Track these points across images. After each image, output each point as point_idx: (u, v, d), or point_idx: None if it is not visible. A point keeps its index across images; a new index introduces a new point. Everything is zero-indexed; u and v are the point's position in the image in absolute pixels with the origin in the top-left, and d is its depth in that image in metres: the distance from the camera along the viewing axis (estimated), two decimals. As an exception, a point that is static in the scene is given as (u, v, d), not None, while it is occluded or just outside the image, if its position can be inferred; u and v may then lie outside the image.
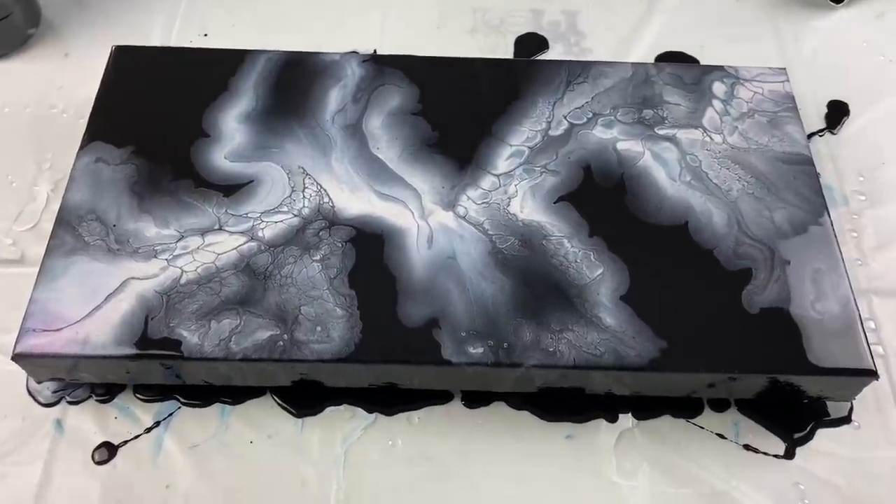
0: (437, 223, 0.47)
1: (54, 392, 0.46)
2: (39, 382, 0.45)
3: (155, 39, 0.61)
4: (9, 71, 0.59)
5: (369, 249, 0.46)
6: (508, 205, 0.48)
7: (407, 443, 0.45)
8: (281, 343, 0.42)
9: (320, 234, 0.46)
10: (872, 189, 0.55)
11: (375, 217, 0.47)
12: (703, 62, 0.62)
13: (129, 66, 0.53)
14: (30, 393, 0.46)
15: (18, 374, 0.44)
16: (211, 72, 0.53)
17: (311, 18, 0.63)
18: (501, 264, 0.45)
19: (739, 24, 0.64)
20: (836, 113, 0.59)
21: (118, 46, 0.54)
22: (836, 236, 0.47)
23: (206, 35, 0.62)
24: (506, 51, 0.62)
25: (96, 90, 0.52)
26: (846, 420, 0.46)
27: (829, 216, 0.48)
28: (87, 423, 0.45)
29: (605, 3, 0.65)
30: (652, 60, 0.62)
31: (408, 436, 0.45)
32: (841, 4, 0.65)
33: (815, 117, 0.59)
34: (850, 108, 0.59)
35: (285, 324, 0.43)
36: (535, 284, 0.45)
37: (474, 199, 0.48)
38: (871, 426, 0.46)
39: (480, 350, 0.43)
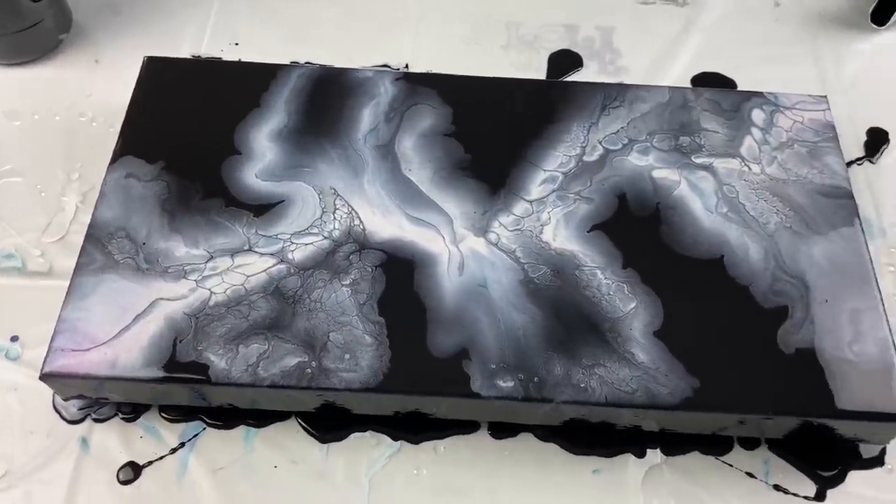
0: (468, 249, 0.46)
1: (80, 409, 0.46)
2: (66, 400, 0.45)
3: (186, 47, 0.61)
4: (39, 77, 0.59)
5: (399, 275, 0.45)
6: (541, 232, 0.47)
7: (432, 473, 0.45)
8: (309, 370, 0.42)
9: (350, 257, 0.46)
10: (912, 222, 0.54)
11: (406, 241, 0.46)
12: (740, 84, 0.60)
13: (160, 77, 0.53)
14: (56, 409, 0.46)
15: (45, 390, 0.44)
16: (243, 86, 0.52)
17: (342, 31, 0.63)
18: (533, 294, 0.45)
19: (778, 44, 0.63)
20: (876, 141, 0.58)
21: (150, 57, 0.53)
22: (875, 274, 0.46)
23: (236, 44, 0.61)
24: (539, 67, 0.61)
25: (126, 99, 0.52)
26: (878, 462, 0.46)
27: (869, 253, 0.47)
28: (113, 441, 0.45)
29: (640, 19, 0.64)
30: (688, 81, 0.61)
31: (433, 465, 0.45)
32: (884, 27, 0.63)
33: (853, 145, 0.58)
34: (891, 135, 0.58)
35: (314, 350, 0.43)
36: (567, 316, 0.44)
37: (506, 226, 0.47)
38: (906, 470, 0.45)
39: (511, 384, 0.42)
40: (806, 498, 0.45)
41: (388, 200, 0.48)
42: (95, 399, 0.45)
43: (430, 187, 0.49)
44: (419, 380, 0.42)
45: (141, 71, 0.53)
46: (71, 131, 0.56)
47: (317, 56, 0.60)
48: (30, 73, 0.59)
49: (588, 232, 0.47)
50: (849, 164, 0.57)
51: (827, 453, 0.46)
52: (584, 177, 0.49)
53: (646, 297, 0.45)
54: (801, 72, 0.61)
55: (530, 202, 0.48)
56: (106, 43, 0.61)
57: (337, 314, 0.44)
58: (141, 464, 0.44)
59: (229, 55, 0.61)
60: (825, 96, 0.54)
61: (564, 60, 0.62)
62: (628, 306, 0.44)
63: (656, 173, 0.50)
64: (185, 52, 0.60)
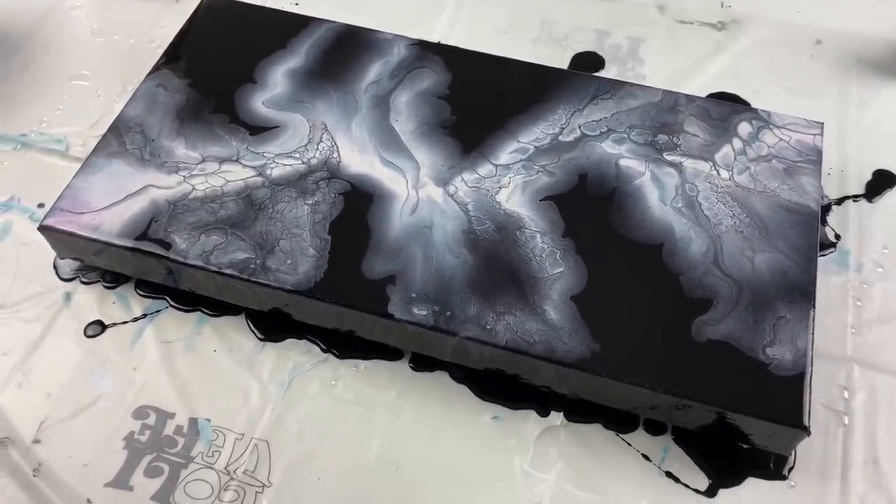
0: (425, 195, 0.50)
1: (73, 270, 0.53)
2: (62, 259, 0.53)
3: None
4: (129, 7, 0.69)
5: (358, 205, 0.50)
6: (497, 193, 0.50)
7: (346, 385, 0.48)
8: (252, 266, 0.47)
9: (319, 182, 0.51)
10: (894, 264, 0.53)
11: (373, 178, 0.51)
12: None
13: (212, 13, 0.60)
14: (54, 266, 0.53)
15: (51, 249, 0.51)
16: (277, 30, 0.59)
17: (392, 5, 0.68)
18: (471, 243, 0.48)
19: (806, 78, 0.63)
20: (880, 182, 0.57)
21: (209, -3, 0.61)
22: (814, 293, 0.46)
23: (297, 4, 0.69)
24: (560, 64, 0.64)
25: (186, 31, 0.59)
26: (780, 476, 0.45)
27: (816, 271, 0.47)
28: (90, 301, 0.52)
29: (673, 35, 0.66)
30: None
31: (349, 379, 0.49)
32: (923, 78, 0.62)
33: (855, 182, 0.57)
34: (899, 181, 0.57)
35: (262, 250, 0.48)
36: (496, 267, 0.47)
37: (467, 182, 0.51)
38: (807, 490, 0.45)
39: (424, 312, 0.45)
40: (696, 491, 0.45)
41: (369, 142, 0.53)
42: (86, 265, 0.53)
43: (410, 138, 0.53)
44: (344, 293, 0.46)
45: (199, 6, 0.61)
46: (138, 52, 0.65)
47: (360, 23, 0.66)
48: (123, 2, 0.69)
49: (540, 200, 0.50)
50: (843, 199, 0.56)
51: (732, 457, 0.46)
52: (553, 153, 0.52)
53: (574, 265, 0.47)
54: (822, 107, 0.61)
55: (496, 166, 0.52)
56: (189, -13, 0.70)
57: (292, 226, 0.49)
58: (106, 324, 0.51)
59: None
60: (822, 123, 0.54)
61: (587, 61, 0.65)
62: (556, 270, 0.47)
63: (623, 162, 0.52)
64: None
